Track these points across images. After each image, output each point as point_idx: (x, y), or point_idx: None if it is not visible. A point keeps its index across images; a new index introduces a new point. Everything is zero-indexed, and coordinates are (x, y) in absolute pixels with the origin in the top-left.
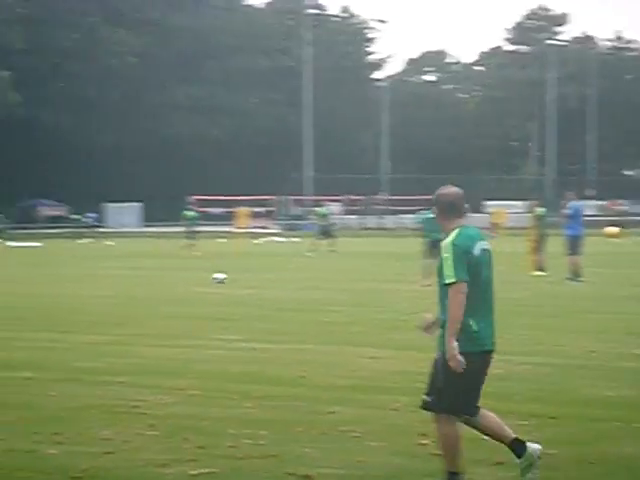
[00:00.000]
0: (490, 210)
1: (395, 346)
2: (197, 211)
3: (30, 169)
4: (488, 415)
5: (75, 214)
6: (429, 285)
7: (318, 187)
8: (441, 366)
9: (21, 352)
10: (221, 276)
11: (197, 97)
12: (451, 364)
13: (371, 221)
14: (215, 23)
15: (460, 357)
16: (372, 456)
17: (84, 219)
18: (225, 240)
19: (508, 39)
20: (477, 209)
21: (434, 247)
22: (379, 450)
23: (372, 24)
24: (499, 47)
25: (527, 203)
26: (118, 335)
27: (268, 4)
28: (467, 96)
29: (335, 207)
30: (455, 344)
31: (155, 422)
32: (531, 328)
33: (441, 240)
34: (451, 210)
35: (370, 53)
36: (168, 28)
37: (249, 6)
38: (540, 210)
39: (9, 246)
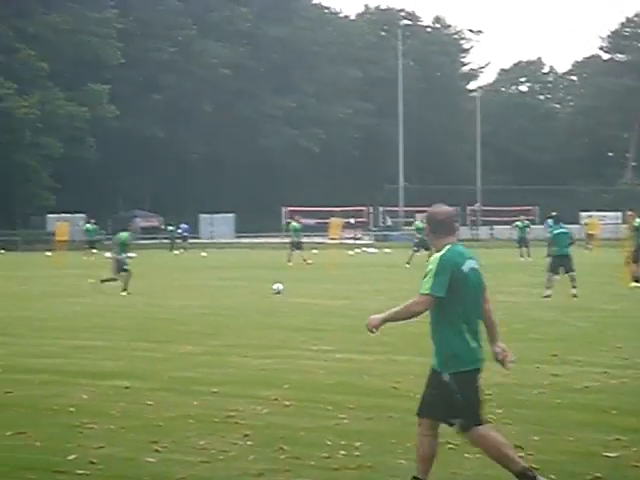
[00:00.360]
0: (585, 221)
1: (488, 357)
2: (300, 223)
3: (125, 180)
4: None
5: (169, 225)
6: (548, 297)
7: (410, 198)
8: (455, 388)
9: (119, 362)
10: (279, 287)
11: (289, 108)
12: (368, 325)
13: (464, 232)
14: (307, 34)
15: (376, 321)
16: (466, 468)
17: (177, 230)
18: (317, 251)
19: (603, 47)
20: (572, 220)
21: (561, 262)
22: (474, 462)
23: (466, 34)
24: (594, 56)
25: (623, 214)
26: (213, 345)
27: (360, 15)
28: (560, 106)
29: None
30: (379, 321)
31: (250, 432)
32: (628, 340)
33: (569, 255)
34: (442, 228)
35: (465, 64)
36: (260, 40)
37: (341, 17)
38: (637, 221)
39: (106, 257)
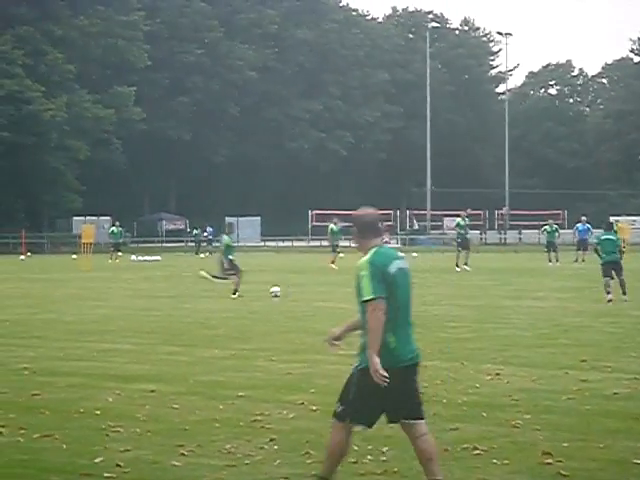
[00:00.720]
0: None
1: (515, 363)
2: (341, 226)
3: (151, 183)
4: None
5: (194, 228)
6: (610, 301)
7: (437, 202)
8: (356, 379)
9: (145, 365)
10: (277, 290)
11: (316, 111)
12: (375, 379)
13: (492, 236)
14: (334, 36)
15: (383, 371)
16: (494, 474)
17: (203, 233)
18: (343, 255)
19: (634, 50)
20: (600, 225)
21: (609, 268)
22: (501, 468)
23: (495, 37)
24: (624, 58)
25: None
26: (239, 349)
27: (388, 17)
28: (590, 109)
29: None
30: (377, 359)
31: (276, 436)
32: None
33: (616, 262)
34: (368, 230)
35: (493, 66)
36: (287, 42)
37: (368, 19)
38: None
39: (131, 260)
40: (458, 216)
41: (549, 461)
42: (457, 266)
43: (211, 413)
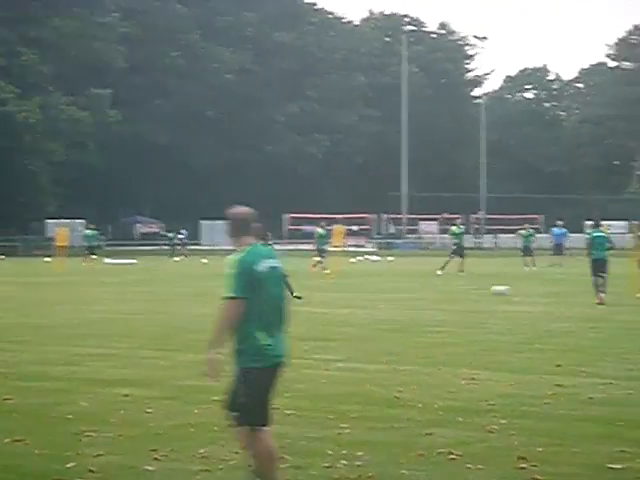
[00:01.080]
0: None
1: (492, 368)
2: (326, 229)
3: (127, 185)
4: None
5: (169, 231)
6: (602, 303)
7: (416, 205)
8: (242, 383)
9: (123, 369)
10: (502, 288)
11: (295, 114)
12: (208, 373)
13: (468, 240)
14: (311, 39)
15: (215, 367)
16: (469, 479)
17: (177, 236)
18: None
19: (610, 55)
20: (578, 229)
21: (598, 265)
22: (477, 473)
23: (471, 40)
24: (600, 63)
25: (629, 223)
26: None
27: (365, 20)
28: (566, 113)
29: (431, 226)
30: (214, 354)
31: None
32: (634, 351)
33: (605, 259)
34: (242, 228)
35: (469, 70)
36: (265, 45)
37: (345, 22)
38: None
39: (105, 263)
40: (435, 220)
41: (524, 466)
42: (461, 271)
43: (186, 418)
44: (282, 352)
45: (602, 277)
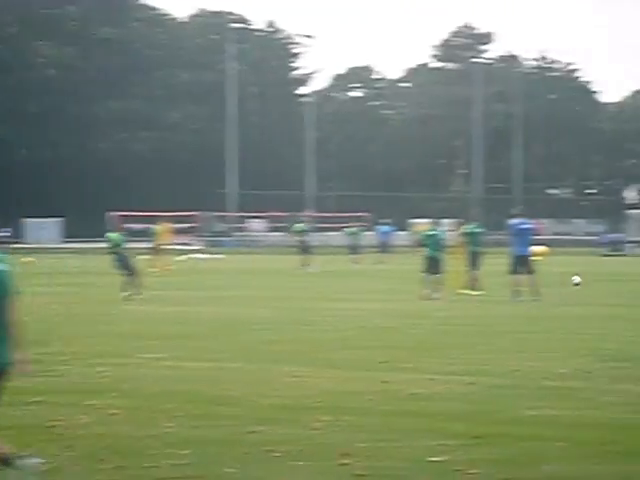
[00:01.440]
0: (415, 228)
1: (318, 364)
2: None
3: None
4: None
5: None
6: (438, 299)
7: (245, 203)
8: None
9: None
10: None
11: (119, 111)
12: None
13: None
14: (136, 36)
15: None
16: (294, 476)
17: None
18: (147, 257)
19: (434, 56)
20: (403, 227)
21: (432, 262)
22: (301, 470)
23: (298, 39)
24: (425, 64)
25: (453, 221)
26: (40, 353)
27: (192, 17)
28: (393, 112)
29: (259, 224)
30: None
31: (72, 442)
32: (455, 347)
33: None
34: None
35: (296, 68)
36: (89, 40)
37: (171, 19)
38: (468, 227)
39: None
40: (260, 217)
41: (347, 461)
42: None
43: (4, 420)
44: (6, 354)
45: (435, 274)
